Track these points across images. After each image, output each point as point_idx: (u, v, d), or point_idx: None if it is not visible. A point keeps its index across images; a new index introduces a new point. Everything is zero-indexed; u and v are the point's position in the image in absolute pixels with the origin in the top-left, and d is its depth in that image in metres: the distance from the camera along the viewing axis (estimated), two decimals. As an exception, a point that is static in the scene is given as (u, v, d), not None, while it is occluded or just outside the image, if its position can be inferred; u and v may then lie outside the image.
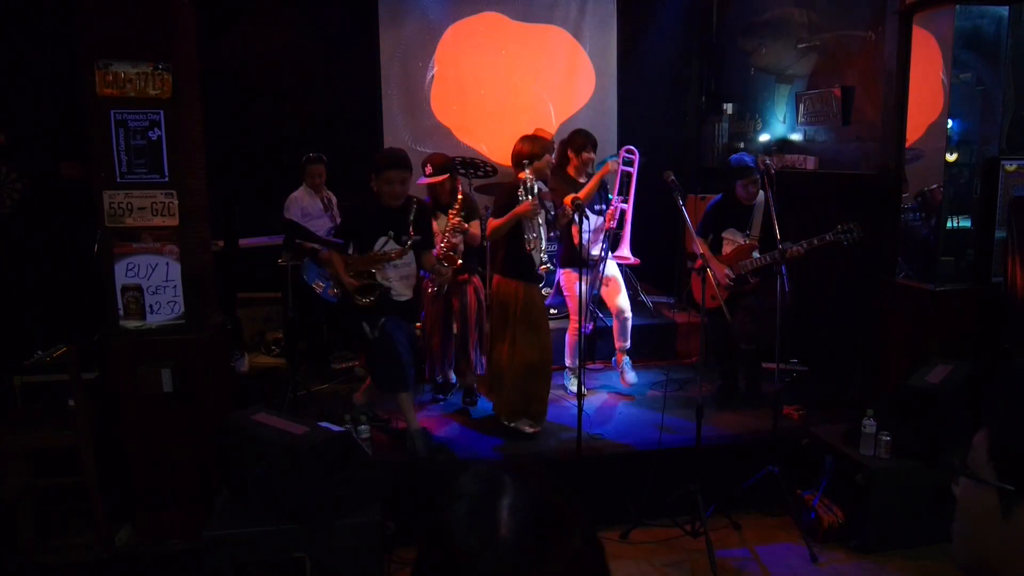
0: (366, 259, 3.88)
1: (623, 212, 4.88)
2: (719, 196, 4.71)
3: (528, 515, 0.75)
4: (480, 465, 0.82)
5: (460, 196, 4.43)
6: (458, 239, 4.32)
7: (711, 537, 3.50)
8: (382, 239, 3.86)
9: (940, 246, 4.37)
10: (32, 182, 5.07)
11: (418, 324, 4.69)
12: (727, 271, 4.48)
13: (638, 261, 5.05)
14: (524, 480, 0.79)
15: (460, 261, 4.31)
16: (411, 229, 3.87)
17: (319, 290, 5.04)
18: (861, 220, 4.10)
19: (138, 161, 3.43)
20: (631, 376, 4.98)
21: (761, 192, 4.42)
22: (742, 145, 6.51)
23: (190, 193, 3.54)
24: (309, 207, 5.24)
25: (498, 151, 6.35)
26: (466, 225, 4.37)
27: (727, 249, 4.59)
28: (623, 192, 4.94)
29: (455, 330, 4.63)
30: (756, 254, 4.47)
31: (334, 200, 5.48)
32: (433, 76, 6.79)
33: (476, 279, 4.67)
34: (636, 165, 4.97)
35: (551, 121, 6.83)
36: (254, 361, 5.58)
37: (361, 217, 3.99)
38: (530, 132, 6.24)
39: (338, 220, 5.38)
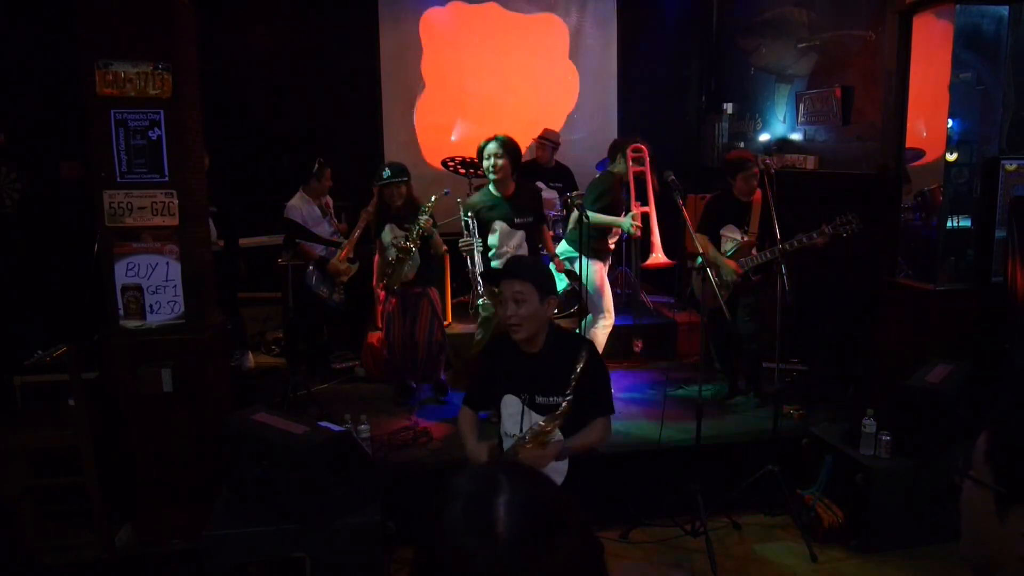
0: (516, 449, 2.53)
1: (646, 216, 4.74)
2: (717, 193, 4.71)
3: (525, 512, 0.75)
4: (475, 465, 0.82)
5: (429, 222, 4.35)
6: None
7: (711, 537, 3.50)
8: (514, 401, 2.55)
9: (940, 246, 4.37)
10: (32, 182, 5.06)
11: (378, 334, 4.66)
12: (733, 264, 4.46)
13: (673, 263, 4.93)
14: (519, 478, 0.79)
15: (412, 275, 4.46)
16: (560, 383, 2.47)
17: (324, 296, 5.04)
18: (861, 219, 4.10)
19: (138, 161, 3.43)
20: None
21: (759, 189, 4.43)
22: (742, 145, 6.51)
23: (190, 193, 3.54)
24: (308, 215, 5.22)
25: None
26: (412, 247, 4.38)
27: (726, 247, 4.59)
28: (640, 195, 4.77)
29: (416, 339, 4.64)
30: (754, 251, 4.48)
31: (331, 204, 5.48)
32: (432, 76, 6.79)
33: (432, 291, 4.66)
34: (647, 162, 4.77)
35: (551, 121, 6.83)
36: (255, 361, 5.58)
37: (491, 371, 2.72)
38: (536, 132, 6.29)
39: (336, 224, 5.40)
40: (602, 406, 2.66)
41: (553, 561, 0.73)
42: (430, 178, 6.64)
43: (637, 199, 4.66)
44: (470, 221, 4.30)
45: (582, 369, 2.43)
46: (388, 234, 4.56)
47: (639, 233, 4.60)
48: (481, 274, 4.14)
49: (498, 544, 0.72)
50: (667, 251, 4.76)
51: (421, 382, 4.84)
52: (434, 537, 0.76)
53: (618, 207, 4.68)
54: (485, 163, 4.24)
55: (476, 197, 4.46)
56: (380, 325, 4.87)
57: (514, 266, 2.64)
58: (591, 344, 2.62)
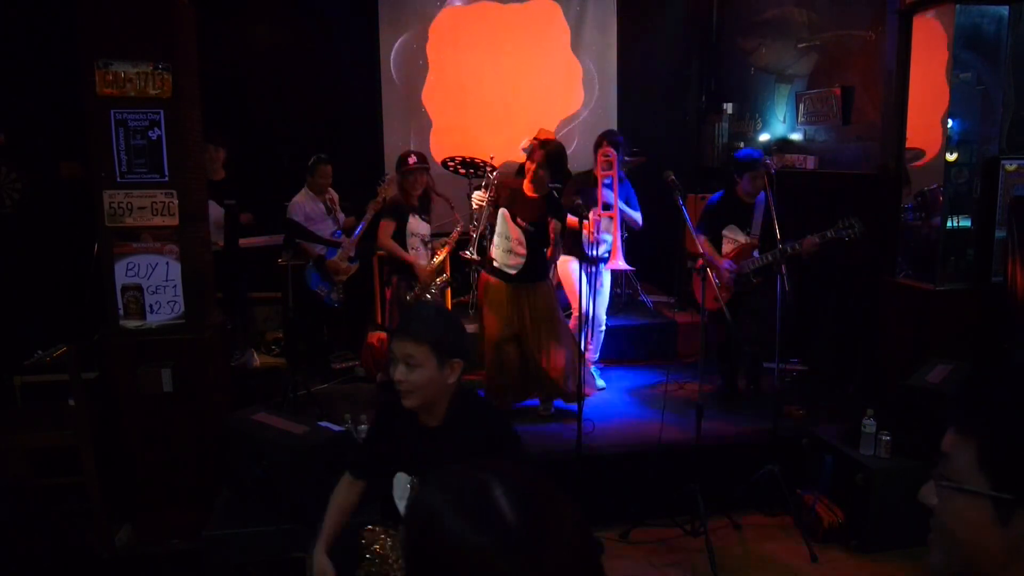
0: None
1: (609, 220, 4.66)
2: (720, 192, 4.69)
3: (524, 497, 0.76)
4: (437, 476, 0.81)
5: (458, 229, 4.54)
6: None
7: (711, 537, 3.50)
8: (404, 482, 2.17)
9: (940, 246, 4.37)
10: (32, 182, 5.07)
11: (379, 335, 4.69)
12: (727, 265, 4.44)
13: (633, 269, 4.90)
14: (502, 471, 0.79)
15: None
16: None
17: (322, 295, 5.03)
18: (861, 219, 4.10)
19: (138, 161, 3.43)
20: (600, 382, 5.05)
21: (762, 191, 4.42)
22: (742, 144, 6.50)
23: (190, 193, 3.54)
24: (312, 211, 5.21)
25: (497, 151, 6.34)
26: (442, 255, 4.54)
27: (727, 248, 4.58)
28: (605, 199, 4.70)
29: None
30: (756, 253, 4.46)
31: (337, 199, 5.46)
32: (432, 75, 6.79)
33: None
34: (616, 166, 4.67)
35: (550, 121, 6.83)
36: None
37: (385, 434, 2.23)
38: (533, 133, 6.28)
39: (342, 221, 5.39)
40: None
41: (562, 536, 0.74)
42: (430, 177, 6.65)
43: (602, 204, 4.59)
44: (493, 181, 4.33)
45: (484, 452, 2.01)
46: (416, 224, 4.60)
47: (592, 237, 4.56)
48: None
49: (512, 533, 0.73)
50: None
51: None
52: (436, 553, 0.75)
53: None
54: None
55: (513, 179, 4.48)
56: (384, 317, 4.83)
57: (407, 322, 2.11)
58: (504, 422, 2.20)
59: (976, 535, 0.86)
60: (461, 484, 0.79)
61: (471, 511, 0.75)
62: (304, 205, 5.20)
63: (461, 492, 0.77)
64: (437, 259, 4.63)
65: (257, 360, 5.38)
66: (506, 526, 0.73)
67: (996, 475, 0.85)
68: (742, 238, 4.52)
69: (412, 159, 4.58)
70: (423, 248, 4.62)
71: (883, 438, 3.70)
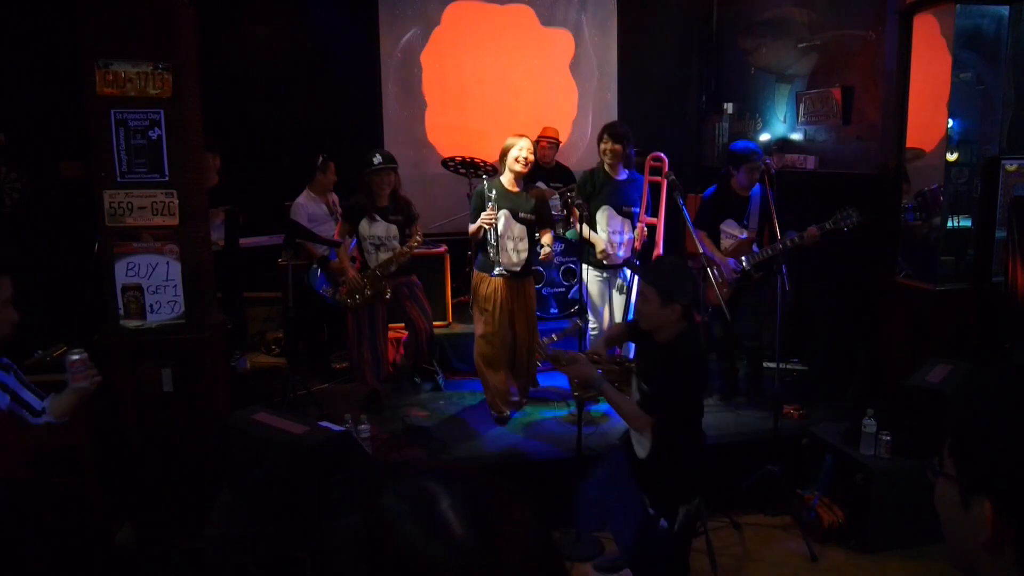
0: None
1: (653, 230, 4.59)
2: (714, 187, 4.67)
3: (472, 507, 0.77)
4: (394, 481, 0.82)
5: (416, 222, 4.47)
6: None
7: (711, 537, 3.50)
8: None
9: (940, 246, 4.37)
10: (32, 182, 5.07)
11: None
12: (732, 264, 4.42)
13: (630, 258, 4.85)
14: (448, 480, 0.80)
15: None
16: None
17: (328, 296, 5.03)
18: (861, 214, 4.10)
19: (138, 160, 3.43)
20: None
21: (758, 184, 4.42)
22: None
23: (190, 192, 3.54)
24: (315, 212, 5.21)
25: (497, 151, 6.35)
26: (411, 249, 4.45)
27: (726, 244, 4.56)
28: (653, 207, 4.66)
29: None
30: (755, 248, 4.46)
31: (337, 202, 5.46)
32: (433, 75, 6.79)
33: (414, 277, 4.71)
34: (664, 173, 4.52)
35: (551, 120, 6.83)
36: (254, 361, 5.57)
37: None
38: (534, 131, 6.28)
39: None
40: (651, 404, 2.81)
41: (516, 544, 0.75)
42: (430, 178, 6.65)
43: (648, 211, 4.58)
44: (492, 198, 4.26)
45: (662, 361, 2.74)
46: (368, 226, 4.47)
47: (606, 259, 4.56)
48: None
49: (461, 546, 0.74)
50: (666, 251, 4.73)
51: (428, 363, 4.87)
52: (392, 554, 0.76)
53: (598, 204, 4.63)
54: (515, 153, 4.26)
55: (487, 184, 4.42)
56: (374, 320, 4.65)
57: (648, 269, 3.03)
58: (690, 349, 2.78)
59: (951, 517, 0.93)
60: (413, 492, 0.80)
61: (425, 523, 0.76)
62: (307, 206, 5.20)
63: (414, 500, 0.78)
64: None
65: (248, 365, 5.37)
66: (454, 538, 0.74)
67: (959, 461, 0.91)
68: (739, 232, 4.51)
69: (376, 158, 4.41)
70: (375, 252, 4.47)
71: (883, 438, 3.70)
